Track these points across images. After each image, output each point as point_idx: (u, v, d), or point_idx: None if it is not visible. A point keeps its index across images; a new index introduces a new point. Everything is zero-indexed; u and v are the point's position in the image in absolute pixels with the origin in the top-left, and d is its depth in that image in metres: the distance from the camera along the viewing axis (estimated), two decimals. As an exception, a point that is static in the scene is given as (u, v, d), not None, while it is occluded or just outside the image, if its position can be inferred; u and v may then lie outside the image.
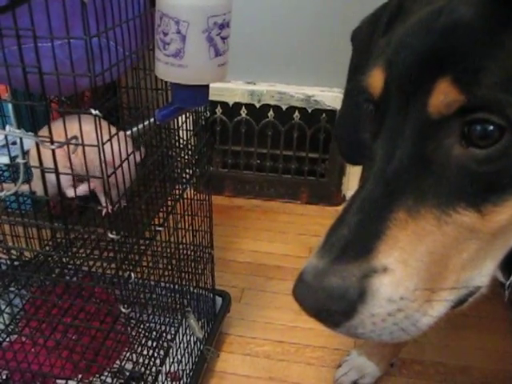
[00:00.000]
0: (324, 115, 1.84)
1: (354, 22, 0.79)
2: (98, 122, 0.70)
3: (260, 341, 1.40)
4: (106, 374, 1.14)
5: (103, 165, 0.72)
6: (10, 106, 0.74)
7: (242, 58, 1.86)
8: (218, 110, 1.91)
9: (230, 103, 1.89)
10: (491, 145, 0.52)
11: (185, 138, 1.10)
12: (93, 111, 0.68)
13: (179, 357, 1.15)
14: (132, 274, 0.86)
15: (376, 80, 0.60)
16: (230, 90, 1.88)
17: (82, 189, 0.87)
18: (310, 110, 1.85)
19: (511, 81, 0.51)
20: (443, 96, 0.53)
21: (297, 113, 1.86)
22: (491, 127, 0.52)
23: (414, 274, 0.55)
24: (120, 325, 1.08)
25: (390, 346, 1.26)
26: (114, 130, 0.76)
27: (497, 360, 1.34)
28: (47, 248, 1.13)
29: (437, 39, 0.55)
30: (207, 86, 0.83)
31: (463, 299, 0.60)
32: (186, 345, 1.18)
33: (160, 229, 0.97)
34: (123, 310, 0.82)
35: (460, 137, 0.54)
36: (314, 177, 1.96)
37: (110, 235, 0.77)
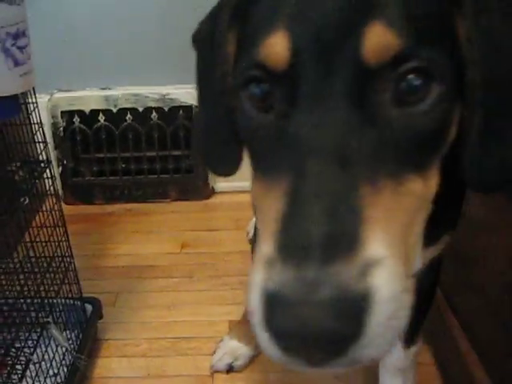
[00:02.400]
0: (181, 112, 1.87)
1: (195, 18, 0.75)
2: None
3: (136, 341, 1.41)
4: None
5: None
6: None
7: (94, 65, 1.86)
8: (76, 120, 1.88)
9: (87, 111, 1.87)
10: (421, 100, 0.49)
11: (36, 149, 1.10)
12: None
13: (46, 369, 1.14)
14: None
15: (278, 46, 0.50)
16: (84, 97, 1.86)
17: None
18: (166, 109, 1.87)
19: (430, 28, 0.50)
20: (379, 38, 0.47)
21: (154, 113, 1.88)
22: (420, 81, 0.48)
23: (401, 258, 0.45)
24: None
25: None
26: None
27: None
28: None
29: None
30: (15, 96, 0.83)
31: None
32: (51, 356, 1.17)
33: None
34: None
35: (394, 93, 0.49)
36: (180, 174, 1.98)
37: None
